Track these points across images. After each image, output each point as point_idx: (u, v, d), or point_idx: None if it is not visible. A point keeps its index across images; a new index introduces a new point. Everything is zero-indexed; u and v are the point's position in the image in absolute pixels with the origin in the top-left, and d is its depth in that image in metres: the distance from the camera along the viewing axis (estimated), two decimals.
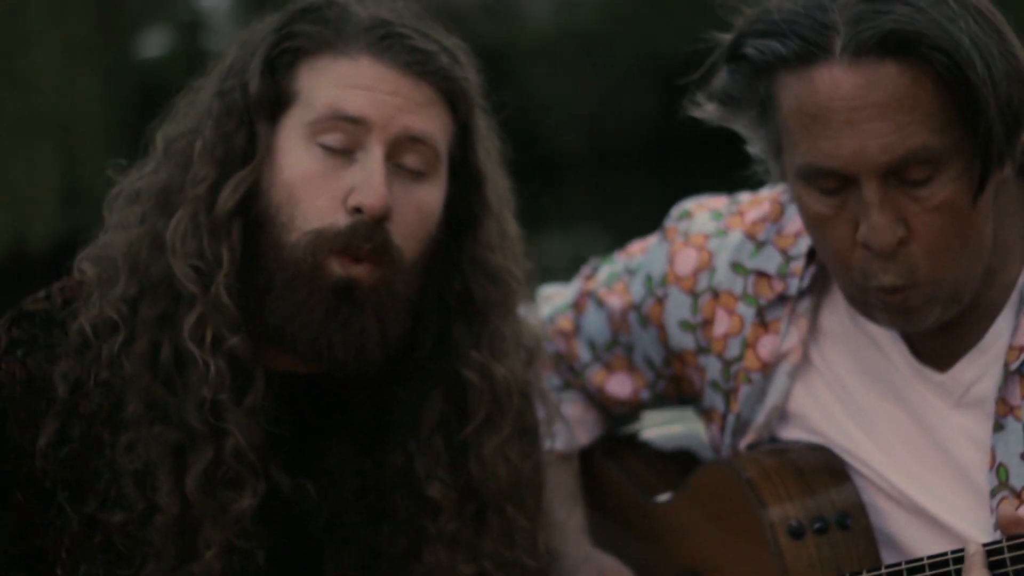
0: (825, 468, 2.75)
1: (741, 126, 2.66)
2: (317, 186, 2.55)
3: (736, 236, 2.87)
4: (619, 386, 3.00)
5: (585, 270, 3.07)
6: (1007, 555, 2.43)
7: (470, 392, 2.65)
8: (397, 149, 2.57)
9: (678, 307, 2.89)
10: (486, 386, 2.65)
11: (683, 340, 2.89)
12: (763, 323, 2.80)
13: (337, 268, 2.54)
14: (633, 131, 20.80)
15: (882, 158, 2.49)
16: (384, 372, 2.62)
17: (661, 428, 3.14)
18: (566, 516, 2.96)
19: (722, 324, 2.85)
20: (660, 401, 3.03)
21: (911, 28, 2.47)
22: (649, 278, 2.93)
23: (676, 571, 2.87)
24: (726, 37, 2.62)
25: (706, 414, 2.91)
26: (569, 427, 2.98)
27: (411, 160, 2.59)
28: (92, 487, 2.56)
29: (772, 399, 2.80)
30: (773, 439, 2.83)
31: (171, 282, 2.55)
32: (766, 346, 2.80)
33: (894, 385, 2.72)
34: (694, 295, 2.88)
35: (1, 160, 14.30)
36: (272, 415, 2.56)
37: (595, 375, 3.01)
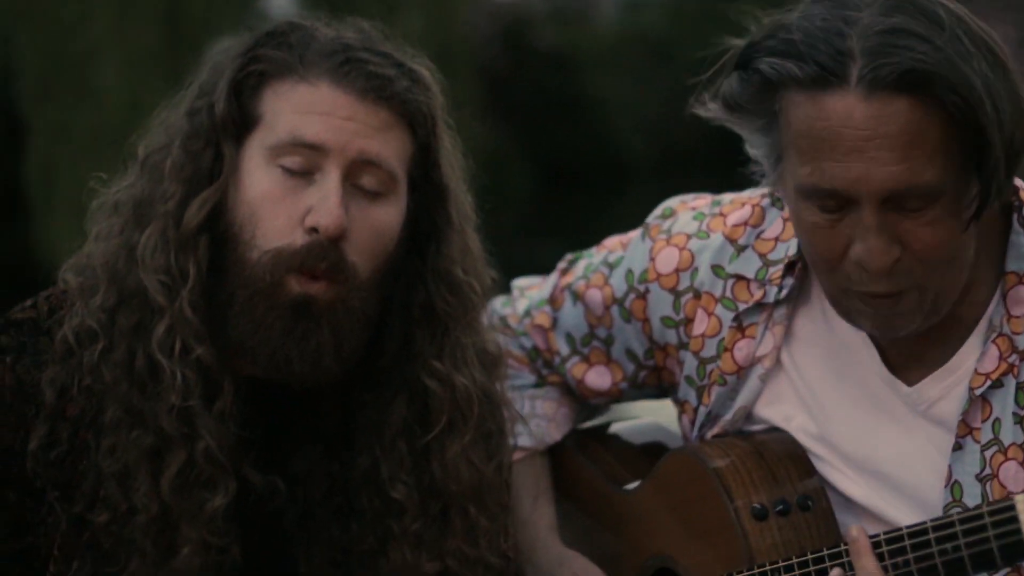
0: (787, 453, 2.83)
1: (743, 130, 2.69)
2: (277, 206, 2.64)
3: (717, 238, 2.92)
4: (598, 378, 3.06)
5: (561, 265, 3.13)
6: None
7: (432, 399, 2.74)
8: (354, 171, 2.66)
9: (660, 303, 2.96)
10: (447, 394, 2.74)
11: (666, 334, 2.96)
12: (740, 327, 2.87)
13: (295, 286, 2.63)
14: (699, 134, 20.78)
15: (885, 185, 2.54)
16: (350, 378, 2.72)
17: (630, 421, 3.22)
18: (533, 512, 3.04)
19: (701, 324, 2.91)
20: (639, 392, 3.10)
21: (928, 68, 2.51)
22: (630, 272, 2.99)
23: (645, 557, 2.95)
24: (739, 42, 2.65)
25: (680, 405, 2.99)
26: (540, 424, 3.07)
27: (368, 181, 2.67)
28: (79, 488, 2.67)
29: (742, 399, 2.88)
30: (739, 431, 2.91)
31: (144, 293, 2.65)
32: (742, 350, 2.87)
33: (864, 390, 2.79)
34: (675, 293, 2.94)
35: (70, 173, 14.38)
36: (242, 419, 2.67)
37: (575, 368, 3.07)
